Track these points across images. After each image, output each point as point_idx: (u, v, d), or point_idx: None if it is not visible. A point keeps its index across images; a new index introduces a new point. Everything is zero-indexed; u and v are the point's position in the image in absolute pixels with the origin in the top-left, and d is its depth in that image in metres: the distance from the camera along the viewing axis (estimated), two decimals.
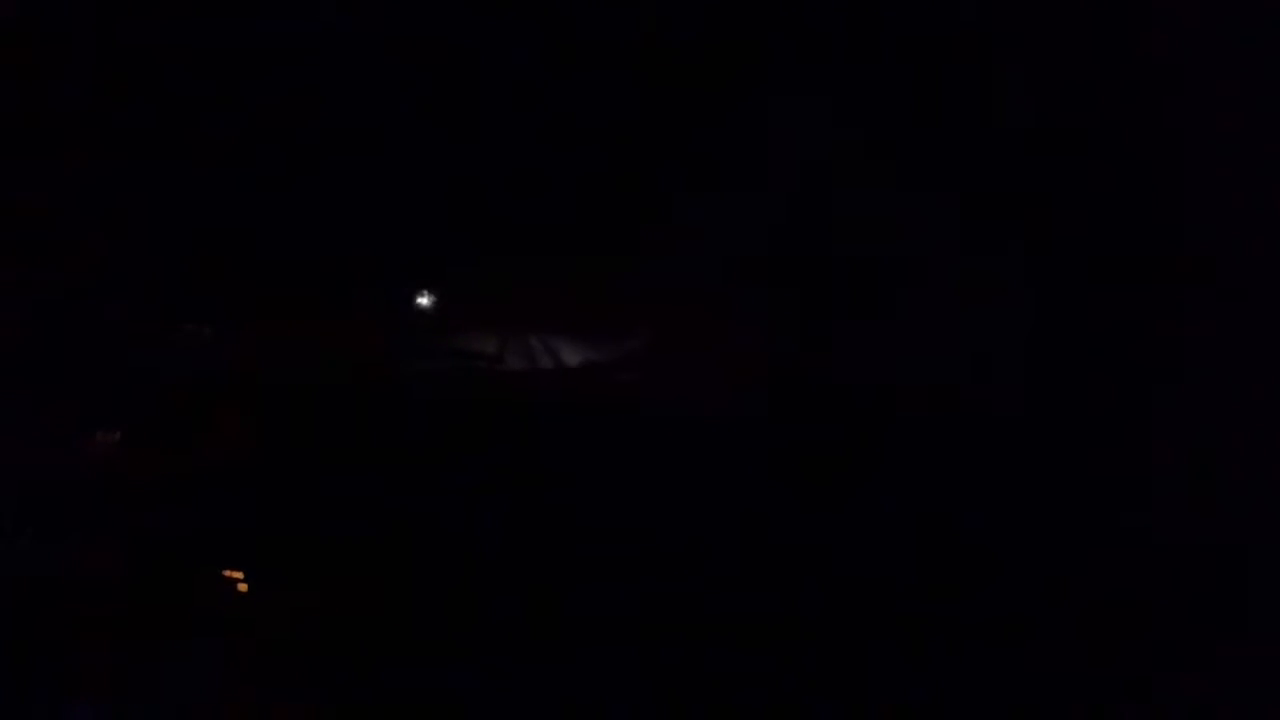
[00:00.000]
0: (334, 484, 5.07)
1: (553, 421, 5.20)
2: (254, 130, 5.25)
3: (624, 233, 5.24)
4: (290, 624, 4.94)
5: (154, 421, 5.16)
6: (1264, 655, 4.54)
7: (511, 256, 5.30)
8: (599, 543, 5.00)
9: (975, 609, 4.83)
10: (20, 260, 5.15)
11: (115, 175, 5.25)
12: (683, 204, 5.21)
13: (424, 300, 5.37)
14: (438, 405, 5.25)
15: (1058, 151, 4.98)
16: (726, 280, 5.15)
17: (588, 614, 4.91)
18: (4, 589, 4.87)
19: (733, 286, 5.16)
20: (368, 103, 5.26)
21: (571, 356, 5.35)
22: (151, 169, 5.26)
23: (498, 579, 4.99)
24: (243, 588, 4.98)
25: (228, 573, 4.99)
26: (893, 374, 5.03)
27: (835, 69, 5.09)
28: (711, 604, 4.90)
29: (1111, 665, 4.70)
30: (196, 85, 5.24)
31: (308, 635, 4.93)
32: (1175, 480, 4.76)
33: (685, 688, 4.81)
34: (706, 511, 5.00)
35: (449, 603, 4.95)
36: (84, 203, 5.24)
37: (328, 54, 5.24)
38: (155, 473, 5.11)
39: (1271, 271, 4.72)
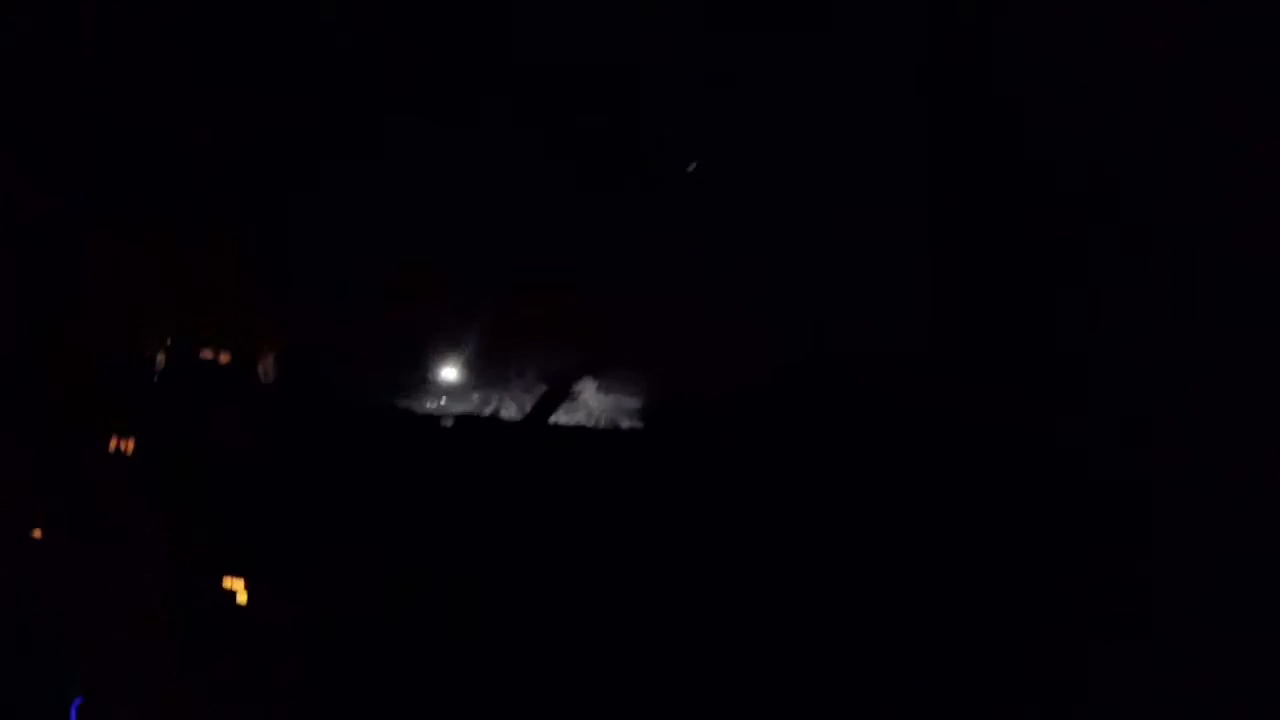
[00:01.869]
0: (333, 488, 5.10)
1: (550, 420, 5.23)
2: (251, 129, 5.27)
3: (624, 232, 5.24)
4: (293, 625, 4.98)
5: (154, 420, 5.20)
6: (1264, 655, 4.54)
7: (510, 257, 5.32)
8: (597, 541, 5.02)
9: (975, 608, 4.84)
10: (20, 260, 5.19)
11: (114, 173, 5.28)
12: (683, 202, 5.21)
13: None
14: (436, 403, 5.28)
15: (1055, 149, 4.97)
16: (726, 280, 5.16)
17: (587, 614, 4.94)
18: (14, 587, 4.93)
19: (732, 286, 5.16)
20: (366, 102, 5.27)
21: (570, 356, 5.36)
22: (149, 167, 5.28)
23: (497, 578, 5.02)
24: (246, 589, 5.02)
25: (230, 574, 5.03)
26: (893, 373, 5.03)
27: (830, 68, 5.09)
28: (711, 604, 4.92)
29: (1111, 665, 4.71)
30: (195, 84, 5.26)
31: (310, 635, 4.97)
32: (1176, 480, 4.76)
33: (686, 687, 4.84)
34: (704, 510, 5.02)
35: (449, 603, 4.99)
36: (84, 201, 5.26)
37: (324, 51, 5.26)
38: (160, 471, 5.16)
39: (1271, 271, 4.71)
